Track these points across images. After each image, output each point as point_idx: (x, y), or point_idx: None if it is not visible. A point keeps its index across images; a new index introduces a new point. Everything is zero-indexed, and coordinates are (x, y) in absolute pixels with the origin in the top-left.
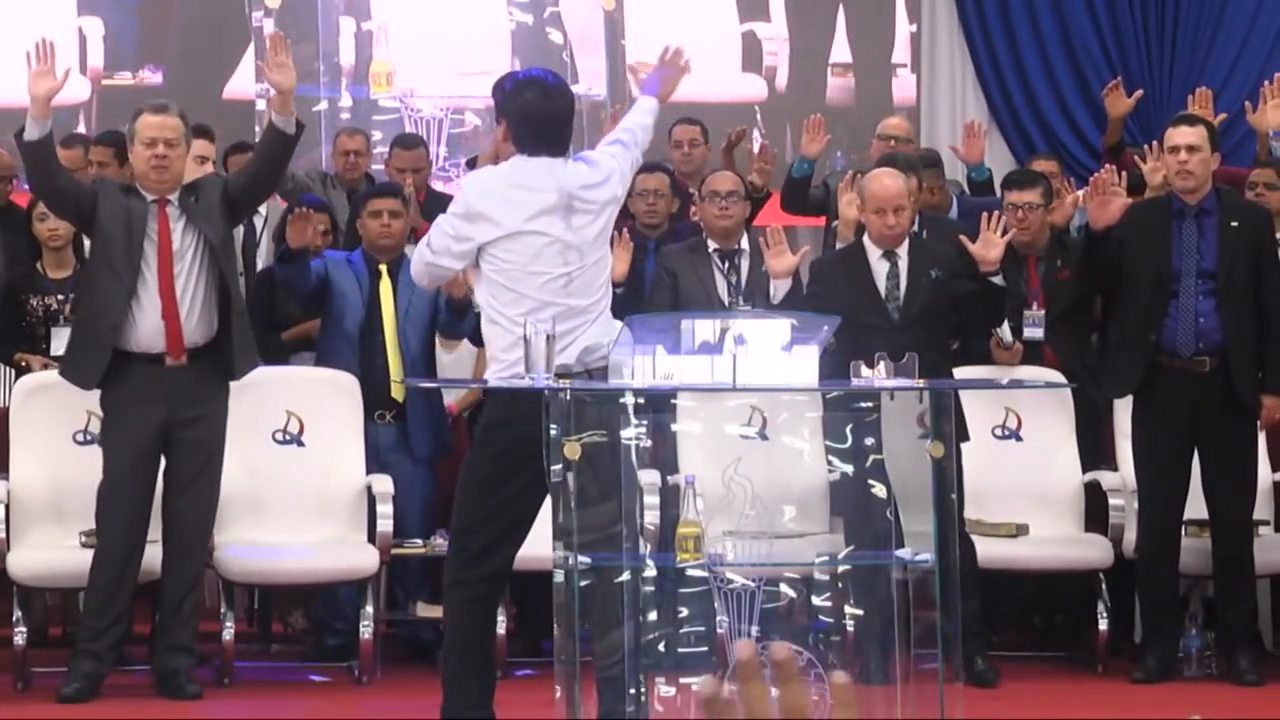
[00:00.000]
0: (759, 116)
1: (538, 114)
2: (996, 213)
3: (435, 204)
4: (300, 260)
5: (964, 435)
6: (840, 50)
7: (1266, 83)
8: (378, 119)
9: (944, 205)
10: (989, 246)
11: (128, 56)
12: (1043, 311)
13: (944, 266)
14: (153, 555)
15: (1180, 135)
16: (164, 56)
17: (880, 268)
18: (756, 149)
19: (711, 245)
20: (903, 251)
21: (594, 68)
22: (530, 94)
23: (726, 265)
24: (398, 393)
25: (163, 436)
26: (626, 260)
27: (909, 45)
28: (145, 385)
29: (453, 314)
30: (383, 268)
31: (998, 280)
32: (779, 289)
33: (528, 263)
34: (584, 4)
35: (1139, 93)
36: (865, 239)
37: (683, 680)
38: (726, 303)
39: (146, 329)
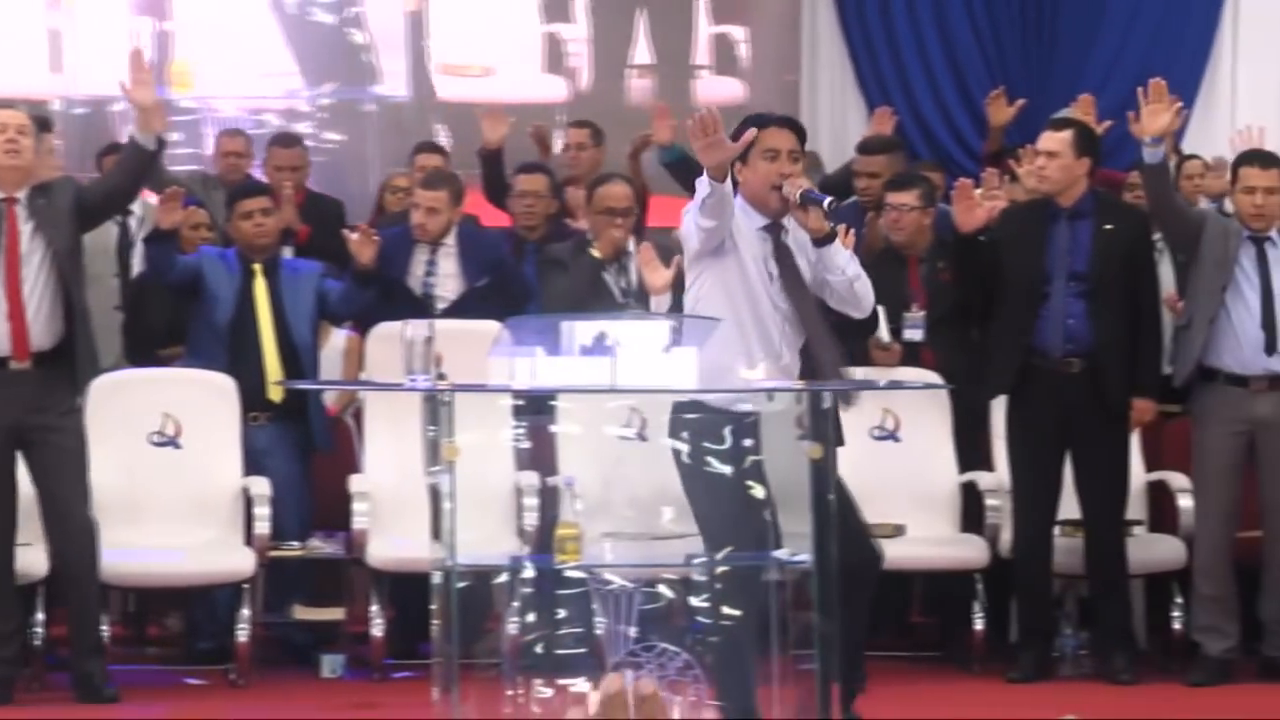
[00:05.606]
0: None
1: None
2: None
3: (314, 203)
4: (167, 243)
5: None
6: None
7: (1140, 89)
8: (174, 119)
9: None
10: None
11: None
12: (923, 313)
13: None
14: None
15: (1040, 140)
16: None
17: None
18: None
19: (597, 251)
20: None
21: (395, 69)
22: None
23: (614, 267)
24: (275, 394)
25: (15, 440)
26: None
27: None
28: None
29: (356, 282)
30: (257, 267)
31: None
32: (659, 304)
33: None
34: (386, 5)
35: (1020, 102)
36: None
37: (561, 682)
38: (621, 303)
39: None
